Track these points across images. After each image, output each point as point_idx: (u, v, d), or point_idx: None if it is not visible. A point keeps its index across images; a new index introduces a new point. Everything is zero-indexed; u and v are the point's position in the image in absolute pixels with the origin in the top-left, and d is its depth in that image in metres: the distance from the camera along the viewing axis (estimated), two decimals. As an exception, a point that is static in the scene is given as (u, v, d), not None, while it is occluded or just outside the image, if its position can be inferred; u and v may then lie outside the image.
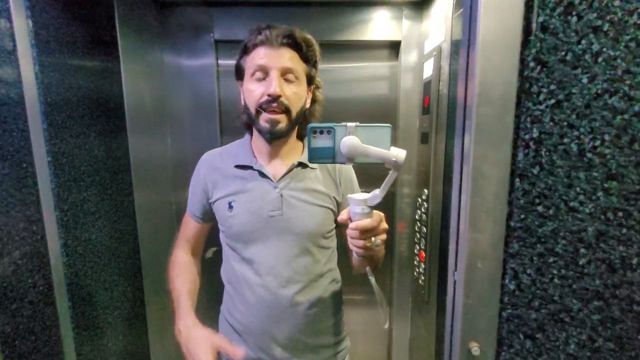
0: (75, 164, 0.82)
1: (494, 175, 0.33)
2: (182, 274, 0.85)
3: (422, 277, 1.13)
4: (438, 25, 1.01)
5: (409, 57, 1.18)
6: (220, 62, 1.20)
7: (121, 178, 1.00)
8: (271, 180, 0.75)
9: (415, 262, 1.19)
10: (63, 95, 0.79)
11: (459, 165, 0.34)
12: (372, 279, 0.64)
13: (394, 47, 1.22)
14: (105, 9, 0.93)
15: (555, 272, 0.34)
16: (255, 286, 0.76)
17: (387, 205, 1.28)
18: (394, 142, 0.50)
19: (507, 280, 0.35)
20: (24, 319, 0.72)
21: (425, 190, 1.09)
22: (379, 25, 1.16)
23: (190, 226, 0.87)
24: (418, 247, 1.17)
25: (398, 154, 0.49)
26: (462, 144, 0.33)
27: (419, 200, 1.14)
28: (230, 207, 0.75)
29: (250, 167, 0.76)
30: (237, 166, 0.78)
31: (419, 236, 1.16)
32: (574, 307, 0.34)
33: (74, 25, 0.82)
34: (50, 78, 0.75)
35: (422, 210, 1.12)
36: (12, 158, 0.69)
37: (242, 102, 0.76)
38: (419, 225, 1.16)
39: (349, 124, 0.50)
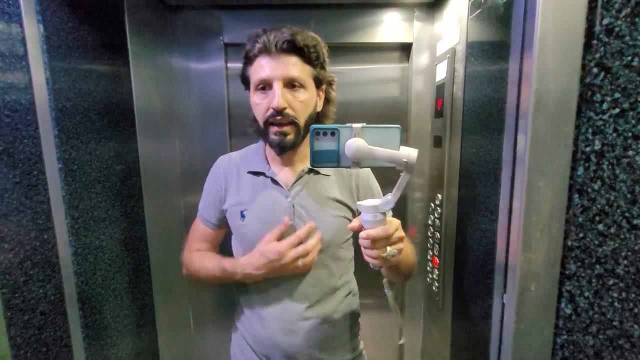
0: (86, 170, 0.81)
1: (551, 191, 0.30)
2: (205, 256, 0.81)
3: (436, 284, 1.11)
4: (451, 26, 0.99)
5: (420, 59, 1.16)
6: (229, 65, 1.19)
7: (131, 183, 0.98)
8: (283, 188, 0.73)
9: (428, 268, 1.17)
10: (74, 101, 0.78)
11: (509, 180, 0.31)
12: (389, 294, 0.61)
13: (405, 49, 1.20)
14: (115, 14, 0.92)
15: (615, 295, 0.32)
16: (266, 298, 0.73)
17: (398, 210, 1.25)
18: (405, 145, 0.47)
19: (562, 304, 0.32)
20: (35, 330, 0.70)
21: (439, 195, 1.07)
22: (389, 27, 1.15)
23: (202, 233, 0.83)
24: (431, 253, 1.14)
25: (409, 153, 0.46)
26: (514, 156, 0.30)
27: (432, 205, 1.12)
28: (242, 215, 0.73)
29: (263, 174, 0.74)
30: (250, 172, 0.75)
31: (432, 242, 1.14)
32: (635, 332, 0.31)
33: (84, 30, 0.81)
34: (61, 83, 0.73)
35: (436, 215, 1.10)
36: (22, 166, 0.67)
37: (252, 112, 0.73)
38: (432, 230, 1.14)
39: (354, 125, 0.47)
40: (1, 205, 0.66)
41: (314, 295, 0.73)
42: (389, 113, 1.23)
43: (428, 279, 1.17)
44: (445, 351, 1.05)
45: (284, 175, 0.75)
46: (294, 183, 0.73)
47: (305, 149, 0.76)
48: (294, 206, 0.72)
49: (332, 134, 0.48)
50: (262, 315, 0.74)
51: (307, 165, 0.75)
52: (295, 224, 0.71)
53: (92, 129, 0.83)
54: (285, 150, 0.71)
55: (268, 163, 0.75)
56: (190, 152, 1.19)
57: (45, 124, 0.69)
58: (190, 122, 1.19)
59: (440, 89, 1.05)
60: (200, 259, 0.81)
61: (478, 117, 0.77)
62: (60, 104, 0.73)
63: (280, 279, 0.72)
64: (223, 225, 0.81)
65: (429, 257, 1.16)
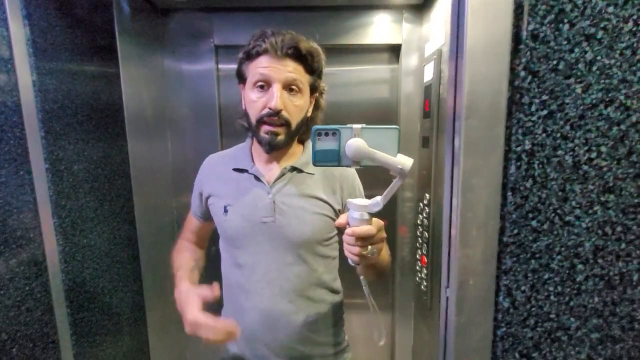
0: (73, 170, 0.83)
1: (485, 189, 0.31)
2: (183, 252, 0.88)
3: (425, 283, 1.12)
4: (438, 28, 1.00)
5: (409, 60, 1.17)
6: (220, 67, 1.20)
7: (120, 184, 1.00)
8: (265, 184, 0.74)
9: (417, 268, 1.18)
10: (61, 102, 0.79)
11: (449, 179, 0.33)
12: (366, 290, 0.62)
13: (395, 51, 1.21)
14: (104, 15, 0.94)
15: (551, 288, 0.33)
16: (249, 293, 0.75)
17: (388, 209, 1.26)
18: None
19: (500, 298, 0.33)
20: (22, 326, 0.72)
21: (427, 195, 1.08)
22: (379, 28, 1.16)
23: (193, 224, 0.89)
24: (420, 252, 1.15)
25: (405, 162, 0.48)
26: (453, 156, 0.32)
27: (421, 204, 1.13)
28: (225, 211, 0.75)
29: (246, 171, 0.76)
30: (235, 169, 0.77)
31: (420, 241, 1.15)
32: (572, 325, 0.32)
33: (72, 32, 0.83)
34: (47, 85, 0.75)
35: (424, 214, 1.11)
36: (9, 166, 0.69)
37: (243, 107, 0.75)
38: (420, 230, 1.15)
39: (354, 125, 0.49)
40: (-13, 205, 0.68)
41: (294, 290, 0.74)
42: (379, 114, 1.24)
43: (417, 278, 1.18)
44: (435, 350, 1.06)
45: (268, 172, 0.77)
46: (276, 180, 0.75)
47: (292, 149, 0.78)
48: (274, 202, 0.73)
49: (334, 134, 0.50)
50: (244, 309, 0.76)
51: (291, 163, 0.76)
52: (275, 220, 0.73)
53: (80, 130, 0.85)
54: (274, 150, 0.73)
55: (253, 160, 0.77)
56: (181, 153, 1.21)
57: (31, 126, 0.71)
58: (182, 124, 1.20)
59: (427, 89, 1.06)
60: (179, 252, 0.88)
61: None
62: (47, 105, 0.75)
63: (260, 273, 0.74)
64: (209, 218, 0.85)
65: (417, 256, 1.17)
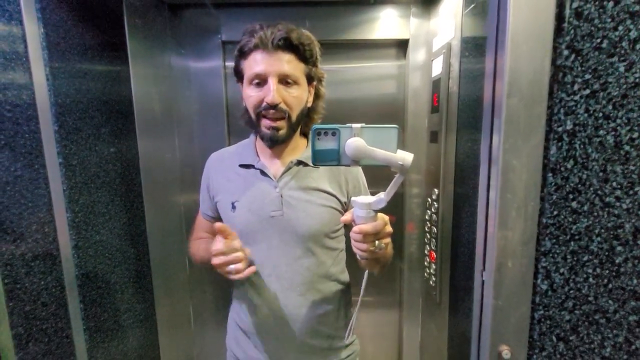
0: (86, 165, 0.82)
1: (525, 170, 0.31)
2: (200, 242, 0.87)
3: (433, 278, 1.12)
4: (447, 22, 1.00)
5: (417, 55, 1.17)
6: (227, 63, 1.20)
7: (131, 180, 1.00)
8: (271, 179, 0.74)
9: (425, 263, 1.18)
10: (73, 98, 0.79)
11: (486, 159, 0.32)
12: (363, 288, 0.63)
13: (402, 46, 1.20)
14: (114, 12, 0.93)
15: (590, 271, 0.33)
16: (259, 288, 0.75)
17: (396, 205, 1.26)
18: (403, 142, 0.49)
19: (539, 280, 0.33)
20: (37, 320, 0.72)
21: (435, 190, 1.07)
22: (386, 23, 1.15)
23: (202, 225, 0.87)
24: (428, 248, 1.15)
25: (405, 157, 0.48)
26: (491, 136, 0.31)
27: (429, 200, 1.13)
28: (233, 207, 0.75)
29: (252, 166, 0.76)
30: (241, 165, 0.77)
31: (429, 237, 1.14)
32: (610, 308, 0.32)
33: (83, 29, 0.82)
34: (60, 81, 0.75)
35: (432, 210, 1.11)
36: (24, 159, 0.69)
37: (244, 104, 0.75)
38: (429, 225, 1.14)
39: (354, 125, 0.49)
40: (3, 198, 0.68)
41: (304, 283, 0.74)
42: (386, 110, 1.24)
43: (425, 274, 1.18)
44: (443, 345, 1.06)
45: (273, 166, 0.76)
46: (283, 174, 0.75)
47: (295, 142, 0.78)
48: (282, 196, 0.73)
49: (333, 134, 0.50)
50: (254, 303, 0.76)
51: (296, 157, 0.76)
52: (284, 214, 0.73)
53: (91, 125, 0.85)
54: (276, 144, 0.73)
55: (258, 155, 0.77)
56: (189, 150, 1.21)
57: (45, 119, 0.71)
58: (189, 120, 1.20)
59: (436, 84, 1.06)
60: (197, 245, 0.86)
61: (473, 111, 0.78)
62: (60, 100, 0.75)
63: (270, 267, 0.74)
64: (220, 217, 0.84)
65: (426, 252, 1.17)
